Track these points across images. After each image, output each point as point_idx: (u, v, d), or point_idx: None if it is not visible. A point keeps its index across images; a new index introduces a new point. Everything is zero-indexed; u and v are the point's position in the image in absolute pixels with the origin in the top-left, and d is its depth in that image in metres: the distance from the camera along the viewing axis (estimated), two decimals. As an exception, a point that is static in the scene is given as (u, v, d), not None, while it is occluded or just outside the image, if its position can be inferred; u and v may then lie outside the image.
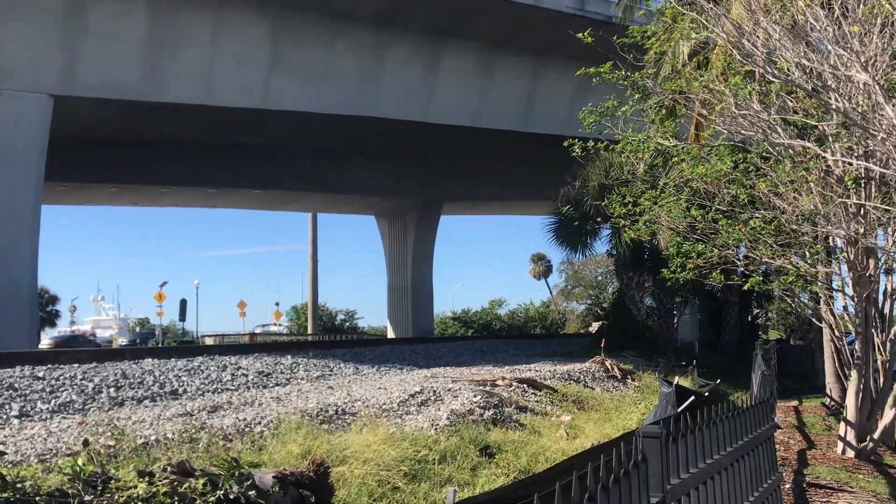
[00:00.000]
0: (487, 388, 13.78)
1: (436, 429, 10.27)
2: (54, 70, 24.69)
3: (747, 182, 11.33)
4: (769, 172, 10.77)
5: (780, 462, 9.14)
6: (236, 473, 5.40)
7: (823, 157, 9.58)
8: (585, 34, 12.34)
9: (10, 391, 12.22)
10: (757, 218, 11.28)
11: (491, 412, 11.63)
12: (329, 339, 48.08)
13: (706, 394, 13.72)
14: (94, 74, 25.33)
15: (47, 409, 11.63)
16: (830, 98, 8.43)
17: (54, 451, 7.81)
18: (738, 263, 13.96)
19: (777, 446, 9.62)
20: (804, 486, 8.92)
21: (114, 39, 25.29)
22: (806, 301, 14.28)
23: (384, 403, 11.75)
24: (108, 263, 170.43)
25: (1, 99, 23.85)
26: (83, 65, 25.10)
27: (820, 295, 13.08)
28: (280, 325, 70.51)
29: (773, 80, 8.78)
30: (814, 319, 14.84)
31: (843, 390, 15.96)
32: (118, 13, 25.15)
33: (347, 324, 68.51)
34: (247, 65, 27.69)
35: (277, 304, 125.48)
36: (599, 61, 12.70)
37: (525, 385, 15.02)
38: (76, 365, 14.78)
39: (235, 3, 26.72)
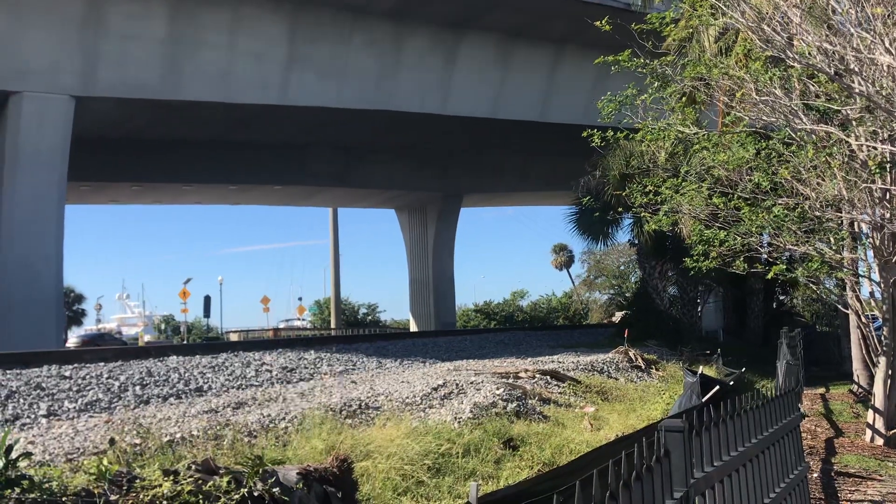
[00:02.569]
0: (510, 381, 13.76)
1: (459, 422, 10.26)
2: (75, 71, 24.90)
3: (770, 169, 11.20)
4: (792, 158, 10.63)
5: (807, 451, 9.05)
6: (260, 471, 5.42)
7: (847, 142, 9.45)
8: (603, 22, 12.25)
9: (38, 391, 12.36)
10: (780, 205, 11.15)
11: (514, 404, 11.60)
12: (352, 333, 48.26)
13: (731, 383, 13.63)
14: (114, 75, 25.53)
15: (74, 408, 11.75)
16: (853, 82, 8.30)
17: (81, 450, 7.89)
18: (762, 251, 13.83)
19: (804, 434, 9.53)
20: (832, 475, 8.82)
21: (133, 40, 25.47)
22: (831, 287, 14.13)
23: (407, 397, 11.76)
24: (132, 261, 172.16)
25: (23, 101, 24.10)
26: (103, 65, 25.29)
27: (846, 281, 12.93)
28: (303, 319, 70.86)
29: (795, 64, 8.66)
30: (839, 306, 14.68)
31: (871, 377, 15.78)
32: (137, 14, 25.31)
33: (370, 317, 68.69)
34: (265, 62, 27.78)
35: (300, 298, 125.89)
36: (618, 50, 12.58)
37: (548, 377, 14.98)
38: (102, 363, 14.92)
39: (252, 2, 26.80)
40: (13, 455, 4.68)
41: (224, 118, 31.53)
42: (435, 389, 12.36)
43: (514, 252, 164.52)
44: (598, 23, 12.41)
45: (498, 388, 12.41)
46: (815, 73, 9.18)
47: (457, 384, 12.78)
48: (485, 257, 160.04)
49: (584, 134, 13.03)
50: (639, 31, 12.44)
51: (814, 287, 14.23)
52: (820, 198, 10.37)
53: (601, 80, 30.00)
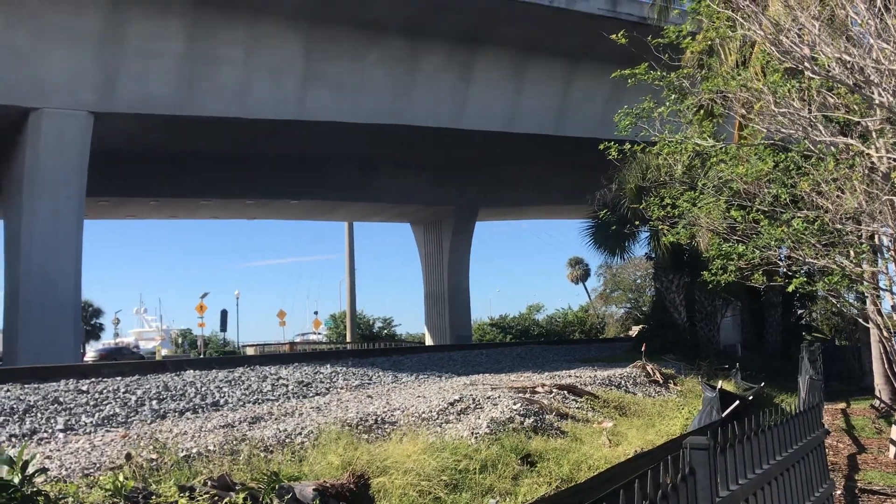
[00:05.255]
0: (527, 396, 13.66)
1: (476, 437, 10.18)
2: (94, 88, 25.14)
3: (788, 181, 11.09)
4: (811, 171, 10.52)
5: (829, 467, 8.91)
6: (277, 487, 5.38)
7: (868, 154, 9.35)
8: (619, 35, 12.21)
9: (56, 405, 12.39)
10: (799, 218, 11.03)
11: (531, 420, 11.51)
12: (367, 346, 48.24)
13: (750, 398, 13.47)
14: (133, 91, 25.75)
15: (91, 422, 11.76)
16: (874, 93, 8.22)
17: (98, 465, 7.87)
18: (781, 264, 13.68)
19: (826, 451, 9.39)
20: (856, 492, 8.68)
21: (151, 57, 25.70)
22: (852, 301, 13.94)
23: (423, 412, 11.70)
24: (150, 276, 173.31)
25: (43, 117, 24.34)
26: (122, 82, 25.53)
27: (867, 295, 12.76)
28: (319, 333, 70.94)
29: (814, 76, 8.59)
30: (860, 320, 14.49)
31: (893, 392, 15.58)
32: (155, 31, 25.55)
33: (385, 331, 68.66)
34: (281, 78, 27.96)
35: (316, 312, 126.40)
36: (633, 63, 12.53)
37: (565, 391, 14.86)
38: (119, 378, 14.96)
39: (269, 19, 26.99)
40: (29, 470, 4.66)
41: (241, 133, 31.72)
42: (451, 404, 12.29)
43: (530, 265, 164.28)
44: (613, 36, 12.37)
45: (515, 403, 12.32)
46: (835, 84, 9.10)
47: (473, 399, 12.70)
48: (500, 271, 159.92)
49: (601, 147, 12.97)
50: (655, 45, 12.40)
51: (834, 301, 14.06)
52: (840, 210, 10.25)
53: (616, 94, 29.98)
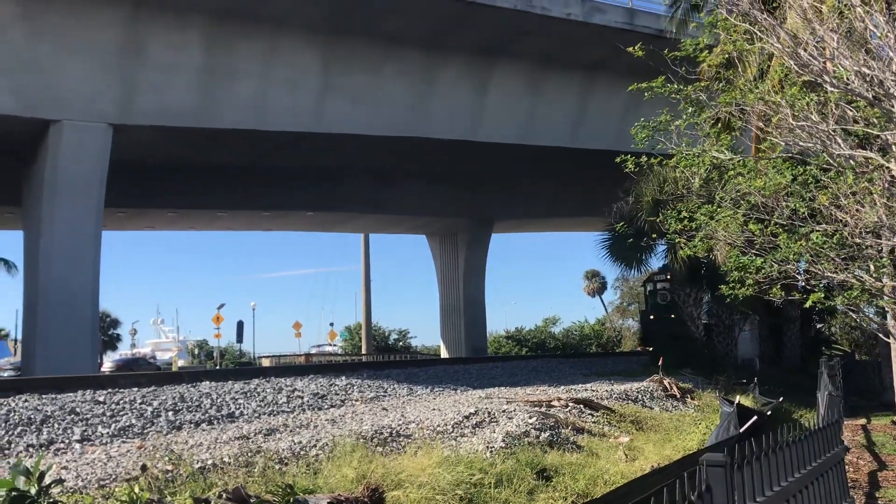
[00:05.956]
0: (543, 409, 13.60)
1: (491, 451, 10.14)
2: (113, 100, 25.38)
3: (807, 195, 11.01)
4: (830, 184, 10.45)
5: (850, 484, 8.79)
6: (291, 500, 5.38)
7: (887, 168, 9.27)
8: (636, 48, 12.21)
9: (73, 415, 12.45)
10: (818, 231, 10.94)
11: (547, 434, 11.45)
12: (382, 359, 48.24)
13: (768, 413, 13.34)
14: (152, 103, 25.98)
15: (108, 433, 11.80)
16: (893, 106, 8.16)
17: (114, 476, 7.89)
18: (799, 278, 13.57)
19: (846, 468, 9.27)
20: (877, 510, 8.56)
21: (170, 69, 25.93)
22: (872, 316, 13.79)
23: (438, 425, 11.66)
24: (167, 287, 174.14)
25: (63, 129, 24.59)
26: (141, 94, 25.76)
27: (887, 309, 12.63)
28: (335, 345, 71.01)
29: (833, 89, 8.54)
30: (881, 334, 14.33)
31: (915, 408, 15.37)
32: (174, 44, 25.79)
33: (401, 343, 68.66)
34: (298, 91, 28.11)
35: (332, 324, 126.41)
36: (650, 76, 12.52)
37: (581, 405, 14.78)
38: (136, 388, 15.02)
39: (287, 32, 27.18)
40: (46, 481, 4.68)
41: (258, 145, 31.91)
42: (466, 417, 12.25)
43: (546, 278, 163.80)
44: (631, 49, 12.37)
45: (530, 417, 12.27)
46: (854, 97, 9.04)
47: (489, 412, 12.65)
48: (516, 283, 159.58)
49: (618, 160, 12.95)
50: (672, 58, 12.38)
51: (853, 315, 13.92)
52: (859, 224, 10.16)
53: (633, 106, 29.92)
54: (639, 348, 39.12)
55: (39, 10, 23.84)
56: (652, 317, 40.62)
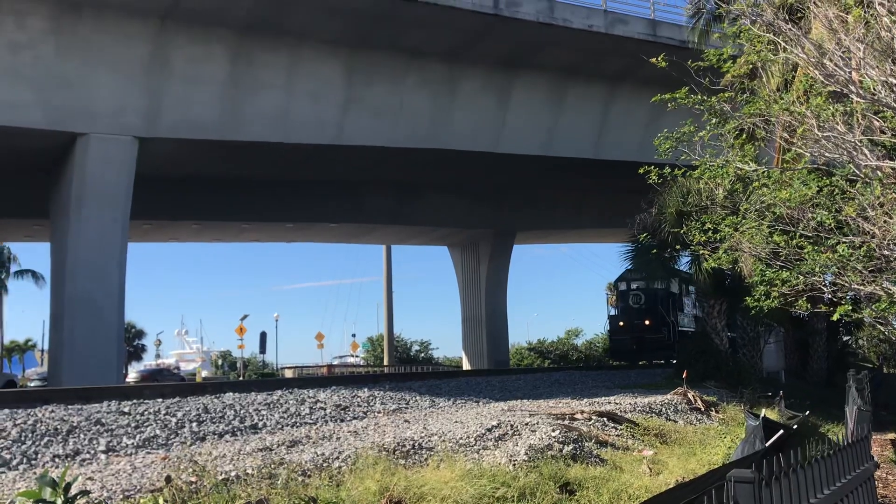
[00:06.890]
0: (566, 422, 13.51)
1: (514, 464, 10.08)
2: (139, 113, 25.69)
3: (833, 206, 10.90)
4: (856, 195, 10.34)
5: (880, 501, 8.64)
6: (314, 512, 5.37)
7: (916, 179, 9.16)
8: (659, 59, 12.17)
9: (98, 426, 12.55)
10: (845, 243, 10.82)
11: (570, 447, 11.37)
12: (404, 370, 48.22)
13: (795, 427, 13.17)
14: (177, 116, 26.26)
15: (132, 444, 11.88)
16: (921, 117, 8.06)
17: (138, 487, 7.93)
18: (826, 290, 13.42)
19: (876, 484, 9.11)
20: (907, 526, 8.40)
21: (195, 82, 26.21)
22: (900, 329, 13.61)
23: (461, 438, 11.62)
24: (191, 298, 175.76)
25: (90, 142, 24.91)
26: (166, 107, 26.05)
27: (916, 322, 12.46)
28: (357, 356, 71.13)
29: (859, 99, 8.46)
30: (910, 348, 14.16)
31: (945, 423, 15.11)
32: (199, 57, 26.07)
33: (423, 354, 68.60)
34: (321, 103, 28.30)
35: (354, 335, 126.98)
36: (673, 86, 12.48)
37: (605, 418, 14.67)
38: (160, 399, 15.10)
39: (310, 45, 27.40)
40: (72, 492, 4.71)
41: (282, 157, 32.13)
42: (489, 430, 12.20)
43: (569, 289, 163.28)
44: (653, 60, 12.33)
45: (553, 430, 12.19)
46: (880, 108, 8.95)
47: (511, 425, 12.59)
48: (538, 295, 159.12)
49: (641, 171, 12.90)
50: (695, 69, 12.33)
51: (881, 328, 13.74)
52: (887, 236, 10.04)
53: (655, 117, 29.83)
54: (662, 361, 38.59)
55: (69, 25, 24.21)
56: (622, 323, 39.50)
